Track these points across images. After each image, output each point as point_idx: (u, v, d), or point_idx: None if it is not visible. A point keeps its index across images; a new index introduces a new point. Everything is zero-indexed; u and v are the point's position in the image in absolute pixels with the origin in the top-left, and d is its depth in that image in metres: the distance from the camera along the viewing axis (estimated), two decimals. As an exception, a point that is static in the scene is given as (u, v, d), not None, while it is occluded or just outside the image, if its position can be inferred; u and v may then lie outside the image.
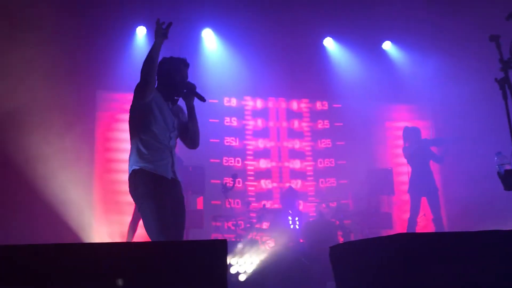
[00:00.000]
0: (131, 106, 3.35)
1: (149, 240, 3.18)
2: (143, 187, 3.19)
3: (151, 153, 3.25)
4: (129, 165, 3.28)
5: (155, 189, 3.19)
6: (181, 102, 3.56)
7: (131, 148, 3.33)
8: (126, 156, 6.26)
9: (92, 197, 6.77)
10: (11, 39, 6.07)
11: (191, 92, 3.44)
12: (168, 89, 3.41)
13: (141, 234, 6.76)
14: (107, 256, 2.21)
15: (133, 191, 3.24)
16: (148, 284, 2.18)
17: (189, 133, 3.48)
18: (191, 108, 3.48)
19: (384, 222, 6.93)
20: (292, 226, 6.22)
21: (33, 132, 6.20)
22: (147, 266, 2.20)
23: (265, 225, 6.37)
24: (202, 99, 3.48)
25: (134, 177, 3.23)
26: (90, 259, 2.17)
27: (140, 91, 3.25)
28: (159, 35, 3.27)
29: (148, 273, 2.19)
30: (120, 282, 2.14)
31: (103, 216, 6.82)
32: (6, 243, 2.24)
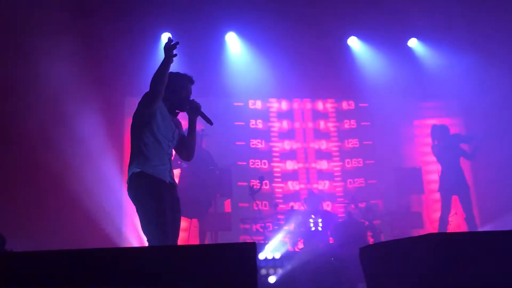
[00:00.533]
0: (136, 111, 3.48)
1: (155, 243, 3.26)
2: (145, 188, 3.30)
3: (153, 158, 3.37)
4: (130, 168, 3.39)
5: (156, 191, 3.31)
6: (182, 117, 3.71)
7: (132, 151, 3.44)
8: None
9: (122, 202, 6.89)
10: (44, 49, 6.23)
11: (195, 111, 3.58)
12: (171, 102, 3.56)
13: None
14: (138, 260, 2.24)
15: (134, 192, 3.34)
16: (178, 287, 2.20)
17: (187, 146, 3.62)
18: (192, 123, 3.63)
19: (414, 222, 6.83)
20: (313, 229, 6.15)
21: (64, 139, 6.36)
22: (177, 269, 2.22)
23: (292, 227, 6.35)
24: (210, 122, 3.60)
25: (136, 179, 3.34)
26: (122, 263, 2.20)
27: (147, 101, 3.39)
28: (169, 54, 3.37)
29: (179, 276, 2.21)
30: (150, 285, 2.17)
31: (133, 221, 6.93)
32: (38, 248, 2.29)
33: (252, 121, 8.10)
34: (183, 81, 3.63)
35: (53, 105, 6.40)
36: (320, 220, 6.03)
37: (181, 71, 6.67)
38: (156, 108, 3.41)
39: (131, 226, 6.88)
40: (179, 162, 6.03)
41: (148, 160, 3.36)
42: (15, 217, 5.84)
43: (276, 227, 6.10)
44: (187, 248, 3.38)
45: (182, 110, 3.62)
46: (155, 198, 3.28)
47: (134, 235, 6.84)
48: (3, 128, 6.35)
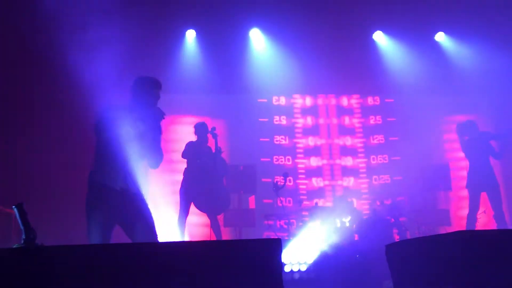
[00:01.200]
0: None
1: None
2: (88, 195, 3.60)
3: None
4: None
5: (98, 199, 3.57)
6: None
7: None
8: (179, 156, 6.37)
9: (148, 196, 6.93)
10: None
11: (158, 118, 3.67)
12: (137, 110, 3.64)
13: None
14: (164, 254, 2.26)
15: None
16: (204, 282, 2.21)
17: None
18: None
19: (441, 219, 6.71)
20: (339, 225, 6.13)
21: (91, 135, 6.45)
22: (203, 264, 2.24)
23: (317, 223, 6.33)
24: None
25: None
26: (146, 257, 2.23)
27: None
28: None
29: (204, 271, 2.23)
30: (176, 280, 2.19)
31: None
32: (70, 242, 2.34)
33: (276, 118, 8.09)
34: (149, 87, 3.68)
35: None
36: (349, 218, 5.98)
37: (206, 68, 6.81)
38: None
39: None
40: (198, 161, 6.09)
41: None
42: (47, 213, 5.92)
43: (300, 224, 6.08)
44: (212, 243, 3.41)
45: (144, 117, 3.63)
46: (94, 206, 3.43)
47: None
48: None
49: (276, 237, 3.77)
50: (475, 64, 7.60)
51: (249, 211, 6.85)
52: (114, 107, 3.57)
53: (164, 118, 3.67)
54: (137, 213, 3.49)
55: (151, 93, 3.67)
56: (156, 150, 3.68)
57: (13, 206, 2.37)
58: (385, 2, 7.26)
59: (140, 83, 3.68)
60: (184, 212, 5.96)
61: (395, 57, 7.86)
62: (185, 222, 5.94)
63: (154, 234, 3.48)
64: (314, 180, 7.96)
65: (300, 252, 5.06)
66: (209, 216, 6.13)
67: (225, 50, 7.46)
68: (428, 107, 7.85)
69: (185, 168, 6.16)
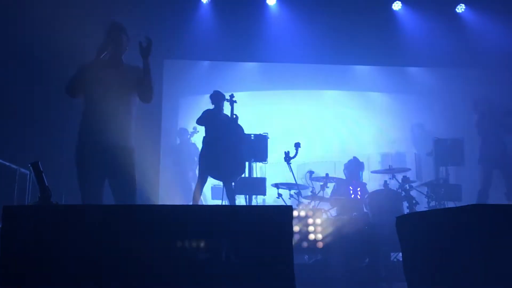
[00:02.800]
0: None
1: None
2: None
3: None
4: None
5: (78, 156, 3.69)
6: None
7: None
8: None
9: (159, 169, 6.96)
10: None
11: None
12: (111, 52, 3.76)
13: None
14: (177, 217, 2.28)
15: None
16: (214, 245, 2.24)
17: (142, 88, 3.77)
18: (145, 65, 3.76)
19: (452, 194, 6.67)
20: (353, 196, 6.15)
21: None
22: (214, 227, 2.26)
23: (327, 194, 6.35)
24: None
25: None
26: (161, 218, 2.26)
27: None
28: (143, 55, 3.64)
29: (215, 235, 2.25)
30: (188, 241, 2.22)
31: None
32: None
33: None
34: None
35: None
36: (359, 189, 6.00)
37: (221, 32, 6.67)
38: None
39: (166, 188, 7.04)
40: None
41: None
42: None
43: (310, 194, 6.10)
44: (224, 208, 3.44)
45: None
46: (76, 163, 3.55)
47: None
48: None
49: (287, 205, 3.79)
50: (495, 37, 7.42)
51: (260, 180, 6.87)
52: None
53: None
54: (121, 172, 3.54)
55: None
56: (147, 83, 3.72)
57: (29, 164, 2.40)
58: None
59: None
60: (201, 180, 6.05)
61: (415, 28, 7.68)
62: (201, 190, 6.04)
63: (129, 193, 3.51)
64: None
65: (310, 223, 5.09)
66: (224, 183, 6.19)
67: (240, 16, 7.35)
68: (444, 80, 7.73)
69: (203, 137, 6.21)
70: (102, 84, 3.58)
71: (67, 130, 5.95)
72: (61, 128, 5.96)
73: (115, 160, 3.52)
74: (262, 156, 6.95)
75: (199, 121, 6.19)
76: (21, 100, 6.10)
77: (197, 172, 6.51)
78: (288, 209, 2.35)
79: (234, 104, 6.16)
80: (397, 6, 7.74)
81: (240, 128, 6.29)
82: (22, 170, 5.64)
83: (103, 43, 3.65)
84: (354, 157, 6.89)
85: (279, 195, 6.23)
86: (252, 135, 6.71)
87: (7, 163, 5.55)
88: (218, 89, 6.31)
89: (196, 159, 7.63)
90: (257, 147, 6.80)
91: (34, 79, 6.21)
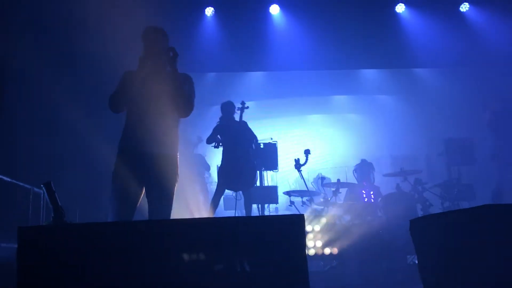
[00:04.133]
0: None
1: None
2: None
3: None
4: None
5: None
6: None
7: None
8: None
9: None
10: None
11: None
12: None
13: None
14: (192, 230, 2.28)
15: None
16: (228, 257, 2.24)
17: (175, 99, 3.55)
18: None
19: (465, 194, 6.61)
20: (366, 200, 6.14)
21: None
22: (225, 240, 2.26)
23: (340, 199, 6.32)
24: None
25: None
26: (175, 234, 2.26)
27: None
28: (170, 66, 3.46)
29: (227, 247, 2.25)
30: (203, 254, 2.23)
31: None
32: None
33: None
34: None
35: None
36: (372, 192, 5.97)
37: (226, 43, 6.64)
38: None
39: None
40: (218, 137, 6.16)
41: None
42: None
43: (322, 200, 6.09)
44: (236, 219, 3.43)
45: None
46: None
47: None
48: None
49: (299, 214, 3.78)
50: (500, 36, 7.37)
51: (271, 188, 6.88)
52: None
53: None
54: (153, 180, 3.31)
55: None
56: (185, 97, 3.50)
57: (42, 185, 2.43)
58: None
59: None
60: (219, 193, 6.10)
61: (419, 29, 7.66)
62: (218, 202, 6.07)
63: (164, 206, 3.30)
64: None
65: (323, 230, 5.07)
66: (243, 193, 6.23)
67: (245, 25, 7.39)
68: (452, 80, 7.69)
69: (222, 149, 6.30)
70: (145, 98, 3.40)
71: (81, 149, 6.03)
72: (74, 146, 6.01)
73: (157, 168, 3.32)
74: (272, 164, 6.96)
75: (209, 141, 6.27)
76: (33, 119, 6.16)
77: (205, 183, 6.55)
78: (300, 218, 2.35)
79: (245, 110, 6.24)
80: (400, 8, 7.73)
81: (250, 131, 6.35)
82: (36, 189, 5.69)
83: (142, 51, 3.47)
84: (362, 159, 6.88)
85: (291, 202, 6.23)
86: (262, 144, 6.73)
87: (21, 183, 5.62)
88: (226, 99, 6.38)
89: (203, 169, 7.66)
90: (267, 155, 6.80)
91: (42, 96, 6.25)
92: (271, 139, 6.76)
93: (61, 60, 6.10)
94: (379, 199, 6.06)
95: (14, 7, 5.93)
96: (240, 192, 6.29)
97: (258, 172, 6.46)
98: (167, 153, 3.39)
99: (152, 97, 3.40)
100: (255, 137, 6.39)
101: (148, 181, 3.32)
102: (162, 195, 3.30)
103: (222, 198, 7.35)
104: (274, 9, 7.60)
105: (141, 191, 3.35)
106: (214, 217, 3.96)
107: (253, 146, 6.35)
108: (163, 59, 3.46)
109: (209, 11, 7.49)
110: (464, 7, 7.68)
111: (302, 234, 2.34)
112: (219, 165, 6.39)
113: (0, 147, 5.81)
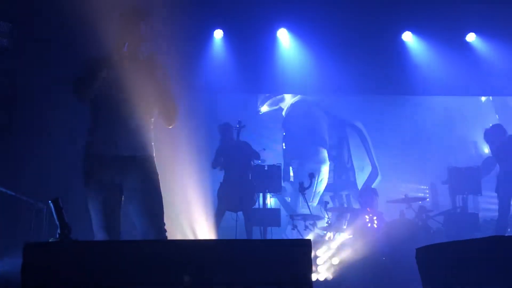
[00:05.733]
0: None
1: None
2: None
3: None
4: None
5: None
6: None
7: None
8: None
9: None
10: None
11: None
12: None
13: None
14: (190, 252, 2.27)
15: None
16: (232, 281, 2.23)
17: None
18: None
19: (470, 223, 6.58)
20: (369, 225, 6.08)
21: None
22: (231, 264, 2.25)
23: (343, 224, 6.29)
24: None
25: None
26: (175, 255, 2.25)
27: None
28: None
29: (232, 271, 2.24)
30: (205, 278, 2.21)
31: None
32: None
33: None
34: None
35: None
36: (375, 218, 5.94)
37: (233, 68, 6.60)
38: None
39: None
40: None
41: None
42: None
43: (326, 225, 6.06)
44: (239, 243, 3.41)
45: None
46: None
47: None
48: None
49: (307, 238, 3.76)
50: (506, 65, 7.43)
51: (274, 211, 6.85)
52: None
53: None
54: (144, 187, 2.96)
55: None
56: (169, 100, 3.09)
57: (49, 201, 2.43)
58: (415, 2, 7.16)
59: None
60: (219, 214, 6.09)
61: (425, 57, 7.73)
62: (219, 224, 6.07)
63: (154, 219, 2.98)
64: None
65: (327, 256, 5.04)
66: (244, 214, 6.21)
67: (253, 50, 7.48)
68: (458, 108, 7.72)
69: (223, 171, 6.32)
70: (116, 87, 2.95)
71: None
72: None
73: (136, 168, 2.97)
74: (276, 187, 6.94)
75: (214, 165, 6.30)
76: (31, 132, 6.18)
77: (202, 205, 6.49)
78: (307, 243, 2.34)
79: (242, 129, 6.29)
80: (407, 36, 7.80)
81: (249, 149, 6.36)
82: (40, 204, 5.69)
83: (120, 35, 3.00)
84: (367, 184, 6.87)
85: (294, 226, 6.19)
86: (266, 166, 6.74)
87: (24, 198, 5.61)
88: (229, 120, 6.45)
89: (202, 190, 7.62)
90: (271, 178, 6.80)
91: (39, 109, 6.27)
92: (264, 149, 6.78)
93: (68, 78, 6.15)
94: (383, 225, 6.02)
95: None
96: (241, 212, 6.28)
97: (261, 194, 6.46)
98: (147, 154, 3.05)
99: (130, 92, 2.96)
100: (255, 153, 6.40)
101: (132, 185, 2.96)
102: (154, 195, 2.98)
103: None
104: (282, 33, 7.69)
105: (121, 198, 3.02)
106: (217, 239, 3.89)
107: (253, 162, 6.37)
108: (140, 42, 3.02)
109: (218, 33, 7.59)
110: (469, 38, 7.72)
111: (309, 259, 2.33)
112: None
113: (6, 161, 5.83)
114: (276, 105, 8.29)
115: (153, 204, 2.98)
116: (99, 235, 2.92)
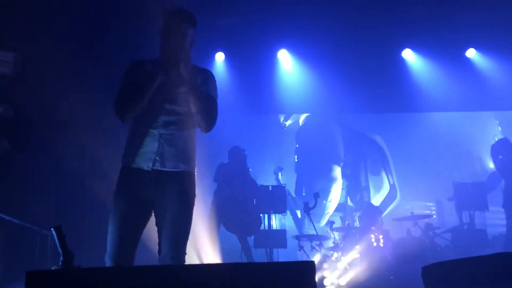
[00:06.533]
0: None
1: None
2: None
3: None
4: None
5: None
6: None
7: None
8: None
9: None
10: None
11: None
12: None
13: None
14: (194, 277, 2.25)
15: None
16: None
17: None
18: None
19: (478, 240, 6.50)
20: (375, 244, 6.01)
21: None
22: (236, 287, 2.22)
23: (349, 244, 6.22)
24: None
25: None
26: (181, 280, 2.22)
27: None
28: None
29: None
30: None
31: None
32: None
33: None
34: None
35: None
36: (381, 236, 5.89)
37: (234, 89, 6.60)
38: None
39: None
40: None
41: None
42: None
43: (332, 245, 6.00)
44: (243, 266, 3.37)
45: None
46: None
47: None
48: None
49: (309, 259, 3.72)
50: (507, 80, 7.43)
51: (280, 232, 6.80)
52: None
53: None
54: (173, 204, 2.76)
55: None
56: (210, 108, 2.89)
57: (52, 228, 2.42)
58: (413, 20, 7.21)
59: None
60: (215, 232, 6.03)
61: (425, 74, 7.75)
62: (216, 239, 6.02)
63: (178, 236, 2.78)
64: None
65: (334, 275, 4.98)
66: (239, 237, 6.14)
67: (254, 71, 7.53)
68: (461, 124, 7.71)
69: (215, 189, 6.22)
70: (160, 96, 2.78)
71: (89, 193, 6.04)
72: (83, 190, 6.02)
73: (173, 185, 2.77)
74: (281, 207, 6.91)
75: (216, 179, 6.29)
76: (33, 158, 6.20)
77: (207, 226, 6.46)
78: (311, 265, 2.31)
79: (247, 157, 6.30)
80: (406, 53, 7.83)
81: (254, 181, 6.34)
82: (44, 231, 5.67)
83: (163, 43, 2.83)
84: (368, 203, 6.82)
85: (301, 247, 6.14)
86: (270, 187, 6.72)
87: (29, 225, 5.60)
88: (232, 142, 6.47)
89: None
90: (276, 198, 6.77)
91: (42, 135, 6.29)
92: (284, 184, 6.75)
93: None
94: (390, 244, 5.96)
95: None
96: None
97: (266, 215, 6.42)
98: (188, 170, 2.84)
99: (174, 100, 2.80)
100: (257, 188, 6.37)
101: (163, 203, 2.76)
102: (183, 219, 2.76)
103: None
104: (283, 54, 7.75)
105: (149, 215, 2.85)
106: (220, 263, 3.82)
107: (252, 190, 6.34)
108: (185, 48, 2.87)
109: (219, 56, 7.65)
110: (469, 53, 7.74)
111: (313, 280, 2.30)
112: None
113: (10, 188, 5.84)
114: (298, 118, 8.33)
115: (180, 229, 2.77)
116: (109, 250, 2.82)
